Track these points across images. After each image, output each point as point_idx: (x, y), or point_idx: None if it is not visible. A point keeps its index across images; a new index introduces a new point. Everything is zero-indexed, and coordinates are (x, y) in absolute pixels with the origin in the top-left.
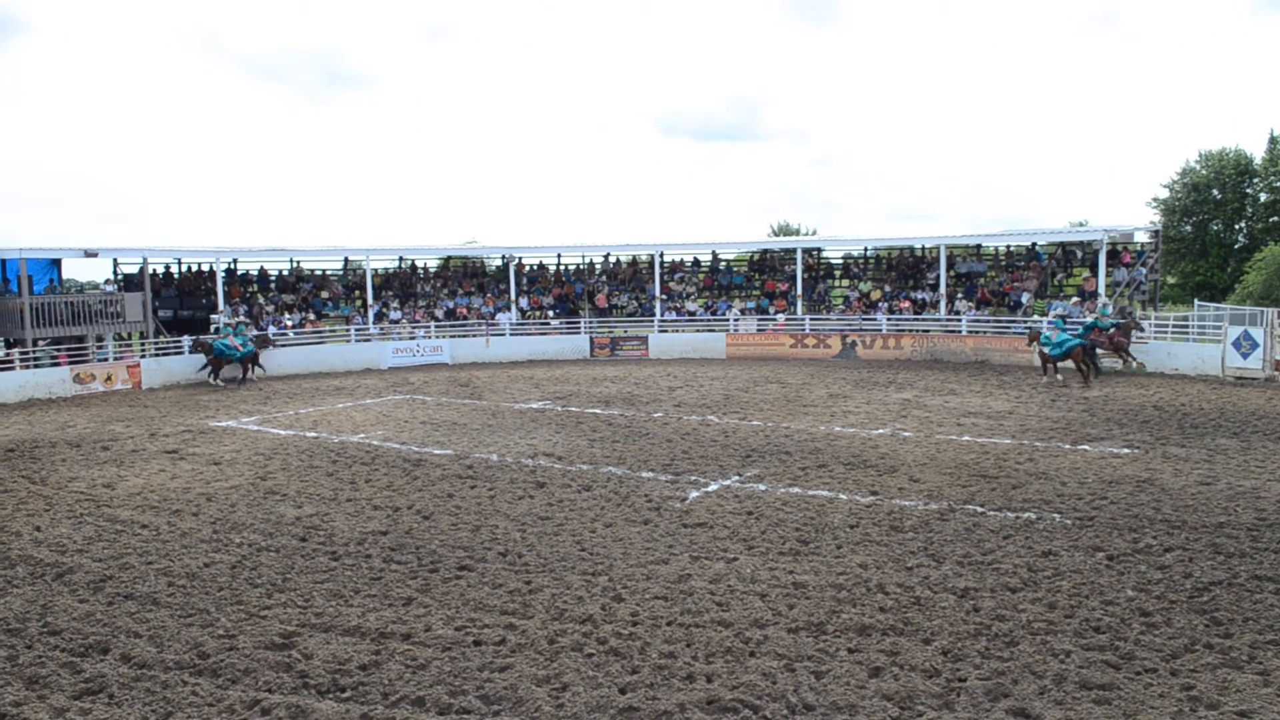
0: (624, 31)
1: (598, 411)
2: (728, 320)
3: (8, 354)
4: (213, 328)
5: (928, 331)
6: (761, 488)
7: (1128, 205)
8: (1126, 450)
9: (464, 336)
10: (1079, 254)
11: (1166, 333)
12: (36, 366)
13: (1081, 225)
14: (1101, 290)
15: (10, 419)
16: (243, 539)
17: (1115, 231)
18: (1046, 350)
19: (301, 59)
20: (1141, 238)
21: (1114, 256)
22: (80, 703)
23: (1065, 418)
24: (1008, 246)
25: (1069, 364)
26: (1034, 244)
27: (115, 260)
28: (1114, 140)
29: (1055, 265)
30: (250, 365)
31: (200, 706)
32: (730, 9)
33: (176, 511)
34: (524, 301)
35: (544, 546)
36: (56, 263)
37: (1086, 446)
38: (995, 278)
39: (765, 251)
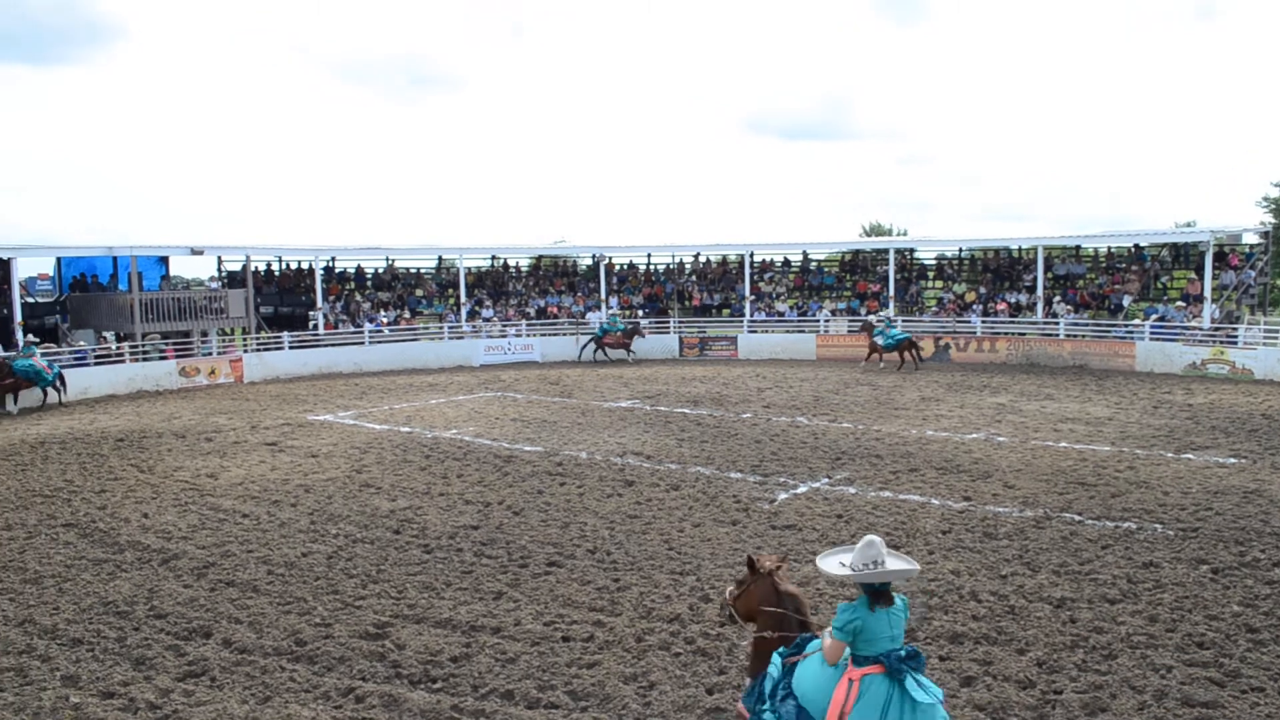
0: (712, 30)
1: (686, 411)
2: (818, 321)
3: (118, 348)
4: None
5: (1024, 334)
6: (851, 491)
7: (1236, 204)
8: (1233, 460)
9: (554, 335)
10: (1185, 255)
11: (1276, 338)
12: (145, 360)
13: (1188, 226)
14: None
15: (120, 410)
16: (339, 530)
17: (1222, 232)
18: (879, 341)
19: (389, 62)
20: (1250, 239)
21: (1221, 258)
22: (184, 684)
23: (1168, 425)
24: (1108, 248)
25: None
26: (1136, 245)
27: (219, 258)
28: (1221, 137)
29: (1159, 267)
30: (59, 389)
31: (297, 692)
32: (818, 7)
33: (276, 502)
34: (614, 301)
35: (632, 545)
36: (164, 260)
37: (1190, 455)
38: (1095, 280)
39: (857, 252)
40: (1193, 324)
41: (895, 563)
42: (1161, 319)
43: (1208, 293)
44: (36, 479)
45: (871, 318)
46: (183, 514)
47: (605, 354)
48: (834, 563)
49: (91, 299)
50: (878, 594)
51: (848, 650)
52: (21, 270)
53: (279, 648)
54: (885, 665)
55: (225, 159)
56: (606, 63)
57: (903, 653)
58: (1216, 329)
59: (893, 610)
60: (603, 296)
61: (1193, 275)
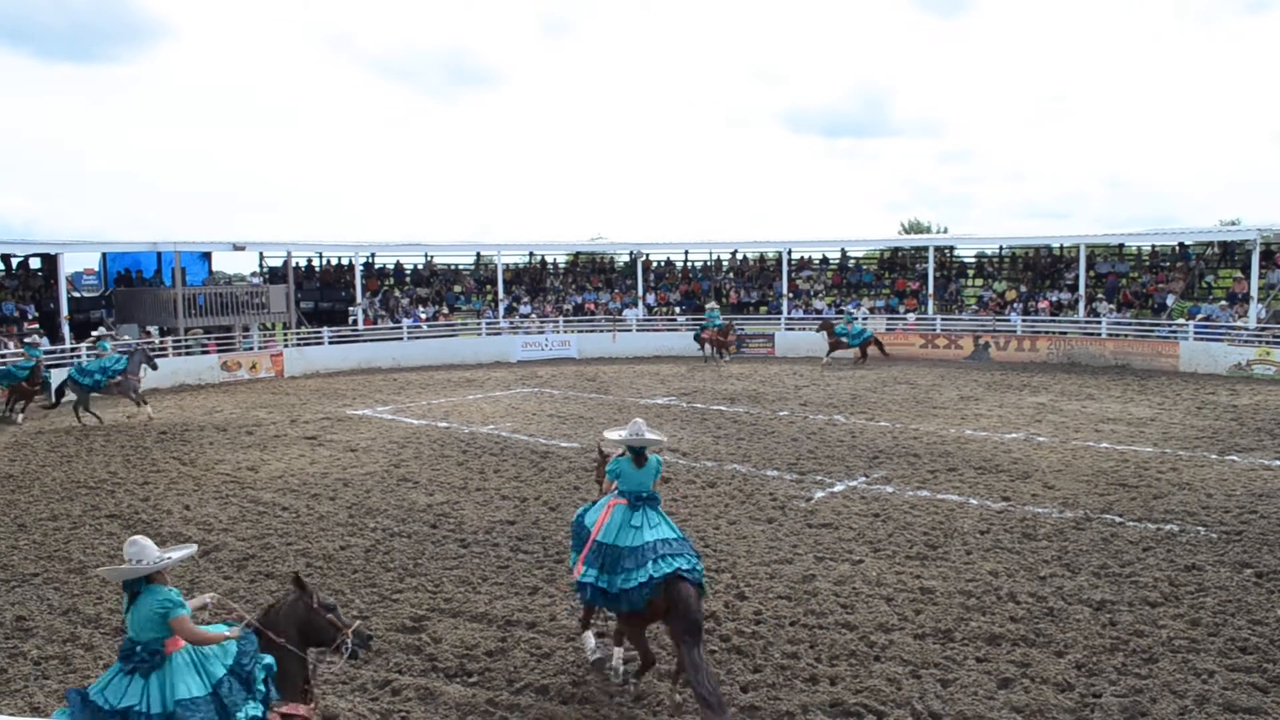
0: (751, 26)
1: (723, 408)
2: (856, 319)
3: (161, 342)
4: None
5: (1065, 333)
6: (889, 490)
7: None
8: (1279, 462)
9: (591, 332)
10: (1231, 254)
11: None
12: (187, 354)
13: (1234, 224)
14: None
15: (163, 403)
16: (377, 524)
17: (1270, 231)
18: (845, 340)
19: (429, 59)
20: None
21: (1268, 257)
22: None
23: (1212, 426)
24: (1152, 246)
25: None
26: (1181, 244)
27: (261, 254)
28: (1269, 135)
29: (1204, 266)
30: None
31: (334, 684)
32: (858, 2)
33: (315, 495)
34: (651, 298)
35: None
36: (207, 255)
37: (1235, 457)
38: (1138, 278)
39: (896, 249)
40: (1238, 324)
41: (650, 434)
42: (1206, 318)
43: (1254, 292)
44: (81, 470)
45: (834, 314)
46: (223, 506)
47: (705, 351)
48: (615, 434)
49: (136, 294)
50: (636, 453)
51: (616, 485)
52: (68, 265)
53: None
54: (629, 499)
55: (267, 155)
56: (644, 59)
57: (644, 494)
58: (1263, 329)
59: (645, 467)
60: (640, 293)
61: (1239, 274)
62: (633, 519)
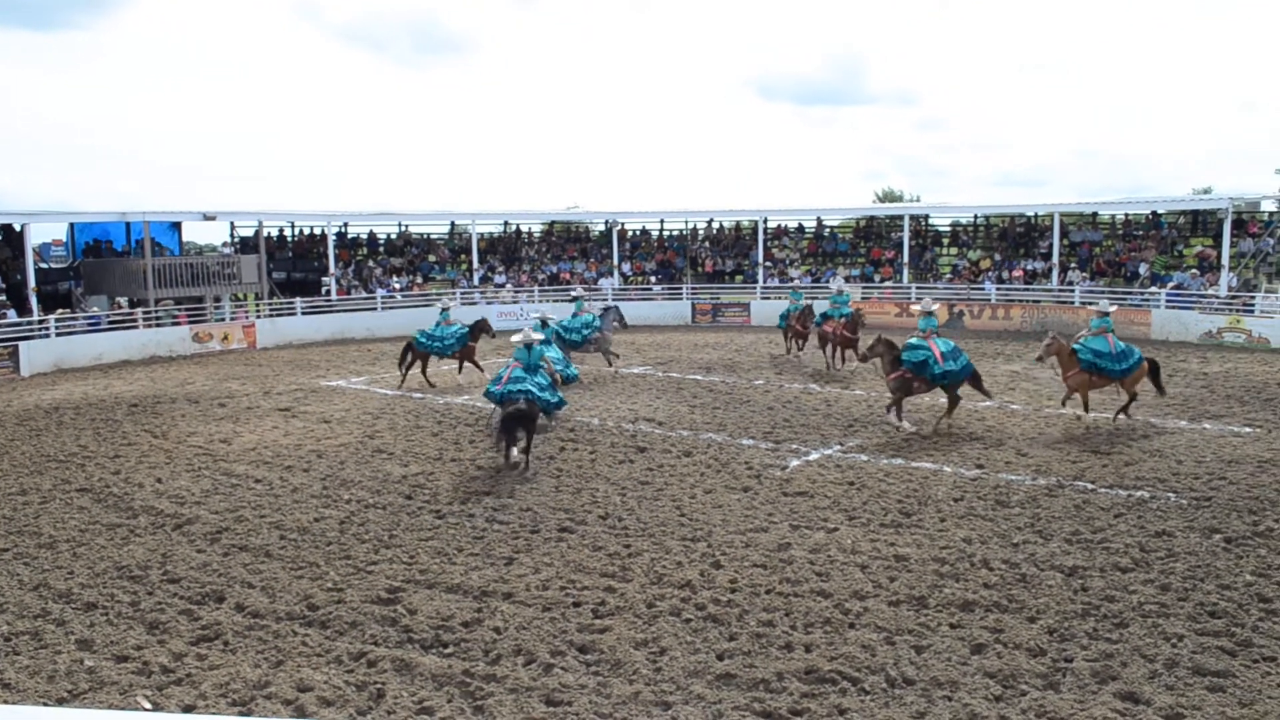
0: None
1: (698, 378)
2: (831, 288)
3: (131, 313)
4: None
5: (1038, 302)
6: (864, 458)
7: (1255, 172)
8: (1248, 429)
9: (567, 301)
10: (1204, 223)
11: None
12: (158, 326)
13: (1206, 193)
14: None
15: (134, 375)
16: (351, 496)
17: (1241, 200)
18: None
19: (396, 26)
20: (1270, 206)
21: (1239, 226)
22: (197, 648)
23: (1183, 394)
24: (1125, 215)
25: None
26: (1154, 212)
27: (232, 224)
28: (1239, 104)
29: (1176, 234)
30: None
31: (309, 656)
32: None
33: (289, 467)
34: (626, 267)
35: (644, 511)
36: (177, 225)
37: (1206, 424)
38: (1111, 247)
39: (871, 218)
40: (1209, 292)
41: (533, 335)
42: (1178, 287)
43: (1225, 260)
44: (51, 444)
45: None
46: (196, 479)
47: (806, 346)
48: (517, 336)
49: (105, 265)
50: (526, 345)
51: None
52: (35, 237)
53: (291, 612)
54: (522, 363)
55: (236, 124)
56: (617, 27)
57: (531, 365)
58: (1234, 297)
59: (534, 349)
60: (615, 263)
61: (1210, 243)
62: (520, 378)
